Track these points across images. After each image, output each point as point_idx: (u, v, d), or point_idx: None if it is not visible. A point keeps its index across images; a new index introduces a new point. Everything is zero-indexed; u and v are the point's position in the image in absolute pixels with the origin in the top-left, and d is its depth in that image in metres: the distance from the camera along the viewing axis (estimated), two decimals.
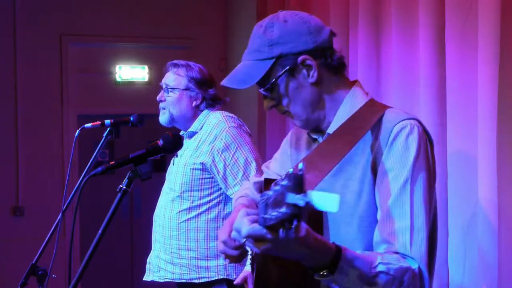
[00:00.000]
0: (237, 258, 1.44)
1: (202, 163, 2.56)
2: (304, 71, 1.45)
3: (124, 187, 1.57)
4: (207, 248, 2.56)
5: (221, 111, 2.68)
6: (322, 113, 1.50)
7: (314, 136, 1.56)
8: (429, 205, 1.40)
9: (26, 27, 4.83)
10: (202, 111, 2.67)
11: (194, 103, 2.66)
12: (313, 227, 1.43)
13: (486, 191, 2.22)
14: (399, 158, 1.39)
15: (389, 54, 2.84)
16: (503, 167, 2.19)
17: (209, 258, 2.56)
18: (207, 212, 2.57)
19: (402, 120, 1.42)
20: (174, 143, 1.66)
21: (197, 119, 2.67)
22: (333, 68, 1.48)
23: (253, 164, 2.54)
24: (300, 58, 1.44)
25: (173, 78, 2.67)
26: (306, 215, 1.09)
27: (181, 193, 2.59)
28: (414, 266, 1.34)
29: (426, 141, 1.43)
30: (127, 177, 1.59)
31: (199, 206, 2.58)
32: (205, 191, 2.58)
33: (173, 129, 2.66)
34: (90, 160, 2.62)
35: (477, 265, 2.27)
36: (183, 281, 2.59)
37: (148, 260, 2.67)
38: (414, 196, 1.38)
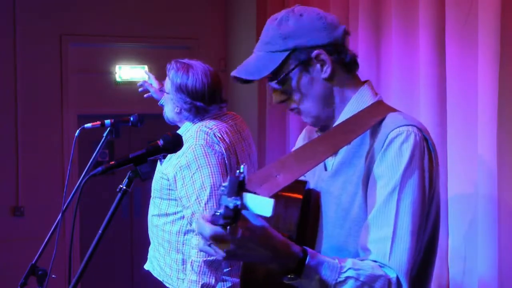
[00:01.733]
0: None
1: (167, 175, 2.44)
2: (318, 65, 1.44)
3: (124, 187, 1.57)
4: (170, 258, 2.49)
5: (201, 123, 2.49)
6: (332, 111, 1.49)
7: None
8: (418, 215, 1.35)
9: (26, 27, 4.83)
10: (186, 119, 2.53)
11: (175, 110, 2.53)
12: (310, 226, 1.43)
13: (487, 191, 2.22)
14: (390, 165, 1.36)
15: (389, 54, 2.84)
16: (503, 167, 2.19)
17: (171, 268, 2.50)
18: (171, 224, 2.47)
19: (400, 126, 1.38)
20: (174, 143, 1.65)
21: (182, 126, 2.57)
22: (346, 66, 1.47)
23: (208, 190, 2.32)
24: (314, 53, 1.43)
25: (166, 79, 2.59)
26: (239, 217, 1.12)
27: (153, 197, 2.55)
28: (392, 275, 1.31)
29: (423, 149, 1.38)
30: (127, 177, 1.58)
31: (166, 215, 2.49)
32: (172, 201, 2.46)
33: (174, 128, 2.66)
34: (90, 160, 2.62)
35: (477, 265, 2.27)
36: (160, 279, 2.57)
37: (149, 248, 2.67)
38: (401, 204, 1.34)
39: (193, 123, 2.53)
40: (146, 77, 3.04)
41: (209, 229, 1.18)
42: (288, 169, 1.42)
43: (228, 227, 1.13)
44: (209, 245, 1.23)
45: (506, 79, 2.18)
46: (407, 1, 2.69)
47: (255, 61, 1.46)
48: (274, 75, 1.45)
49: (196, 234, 2.33)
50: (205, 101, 2.49)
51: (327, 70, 1.44)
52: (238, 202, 1.10)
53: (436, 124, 2.47)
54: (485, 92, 2.21)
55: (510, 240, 2.21)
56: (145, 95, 3.04)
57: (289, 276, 1.27)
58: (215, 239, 1.18)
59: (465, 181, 2.36)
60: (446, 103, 2.44)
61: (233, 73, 1.47)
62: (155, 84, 2.96)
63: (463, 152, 2.37)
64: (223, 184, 1.15)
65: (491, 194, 2.21)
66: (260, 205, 1.16)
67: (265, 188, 1.39)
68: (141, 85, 3.02)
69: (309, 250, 1.28)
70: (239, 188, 1.12)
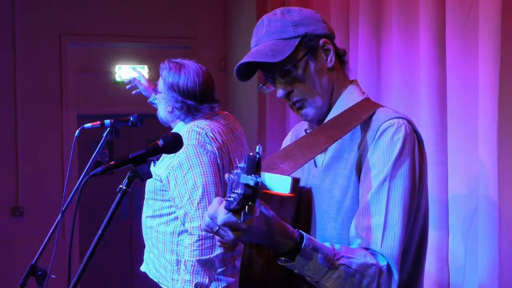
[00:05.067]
0: (232, 246, 1.42)
1: (160, 176, 2.44)
2: (323, 55, 1.50)
3: (124, 187, 1.56)
4: (165, 259, 2.48)
5: (193, 123, 2.49)
6: (332, 103, 1.52)
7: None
8: (408, 204, 1.39)
9: (25, 27, 4.83)
10: (178, 118, 2.54)
11: (167, 109, 2.54)
12: (302, 221, 1.45)
13: (487, 191, 2.21)
14: (382, 156, 1.40)
15: (390, 53, 2.84)
16: (503, 166, 2.19)
17: (166, 269, 2.49)
18: (165, 224, 2.47)
19: (390, 119, 1.43)
20: (174, 143, 1.65)
21: (175, 127, 2.56)
22: (340, 58, 1.54)
23: (200, 190, 2.33)
24: (321, 41, 1.50)
25: (159, 78, 2.59)
26: (258, 195, 1.12)
27: (147, 199, 2.55)
28: (383, 263, 1.34)
29: (413, 140, 1.43)
30: (127, 177, 1.57)
31: (160, 216, 2.49)
32: (166, 202, 2.46)
33: (171, 129, 2.65)
34: (90, 160, 2.61)
35: (478, 266, 2.26)
36: (155, 281, 2.57)
37: (145, 250, 2.67)
38: (391, 193, 1.38)
39: (185, 123, 2.53)
40: (135, 74, 3.05)
41: (223, 216, 1.20)
42: (292, 158, 1.45)
43: (246, 207, 1.12)
44: (217, 230, 1.26)
45: (507, 79, 2.17)
46: (407, 1, 2.68)
47: (267, 48, 1.46)
48: (285, 63, 1.46)
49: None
50: (196, 100, 2.49)
51: (332, 59, 1.50)
52: (259, 179, 1.10)
53: (436, 123, 2.47)
54: (486, 91, 2.21)
55: (510, 240, 2.20)
56: (133, 92, 3.06)
57: (283, 258, 1.30)
58: (228, 227, 1.21)
59: (465, 181, 2.36)
60: (447, 102, 2.44)
61: (244, 59, 1.46)
62: (144, 81, 2.98)
63: (463, 151, 2.36)
64: (239, 165, 1.15)
65: (491, 194, 2.20)
66: (278, 183, 1.17)
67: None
68: (129, 82, 3.04)
69: (306, 235, 1.31)
70: (257, 166, 1.12)
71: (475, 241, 2.28)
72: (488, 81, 2.20)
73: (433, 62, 2.48)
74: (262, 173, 1.15)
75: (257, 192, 1.11)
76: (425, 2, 2.52)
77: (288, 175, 1.40)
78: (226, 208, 1.19)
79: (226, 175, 1.30)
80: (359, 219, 1.39)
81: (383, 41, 2.91)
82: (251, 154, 1.13)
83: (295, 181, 1.44)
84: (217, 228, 1.25)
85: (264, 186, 1.17)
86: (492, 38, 2.17)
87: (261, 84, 1.54)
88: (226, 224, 1.20)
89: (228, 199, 1.16)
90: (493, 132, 2.18)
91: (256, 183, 1.10)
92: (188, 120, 2.53)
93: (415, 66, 2.63)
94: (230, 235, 1.22)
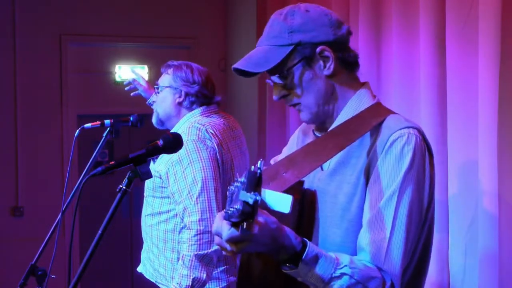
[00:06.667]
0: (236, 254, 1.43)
1: (160, 172, 2.45)
2: (321, 62, 1.45)
3: (124, 187, 1.56)
4: (165, 258, 2.49)
5: (194, 119, 2.53)
6: (332, 108, 1.49)
7: (318, 134, 1.56)
8: (415, 219, 1.38)
9: (25, 27, 4.83)
10: (187, 109, 2.56)
11: (177, 100, 2.56)
12: (305, 224, 1.44)
13: (487, 191, 2.21)
14: (391, 168, 1.38)
15: (390, 53, 2.84)
16: (503, 166, 2.18)
17: (166, 267, 2.49)
18: (165, 222, 2.48)
19: (401, 129, 1.40)
20: (174, 143, 1.65)
21: (178, 122, 2.57)
22: (348, 64, 1.49)
23: (199, 185, 2.34)
24: (318, 48, 1.44)
25: (162, 77, 2.62)
26: (256, 212, 1.12)
27: (146, 196, 2.56)
28: (387, 279, 1.34)
29: (423, 151, 1.40)
30: (127, 177, 1.57)
31: (159, 214, 2.49)
32: (165, 199, 2.47)
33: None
34: (90, 160, 2.62)
35: (478, 266, 2.26)
36: (152, 281, 2.57)
37: (142, 251, 2.67)
38: (399, 210, 1.36)
39: (192, 114, 2.55)
40: (134, 76, 3.06)
41: (227, 232, 1.20)
42: (296, 167, 1.44)
43: (245, 223, 1.12)
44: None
45: (507, 79, 2.17)
46: (407, 1, 2.68)
47: (259, 54, 1.46)
48: (277, 69, 1.44)
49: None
50: (209, 90, 2.58)
51: (330, 67, 1.45)
52: (259, 198, 1.09)
53: (436, 123, 2.47)
54: (486, 91, 2.21)
55: (511, 240, 2.20)
56: (132, 93, 3.08)
57: (287, 265, 1.30)
58: (232, 242, 1.21)
59: (465, 181, 2.36)
60: (447, 102, 2.44)
61: (236, 65, 1.46)
62: (143, 82, 3.00)
63: (463, 151, 2.36)
64: (240, 179, 1.15)
65: (491, 194, 2.20)
66: (278, 201, 1.16)
67: (273, 185, 1.40)
68: (128, 83, 3.05)
69: (310, 244, 1.30)
70: (257, 183, 1.11)
71: (475, 241, 2.27)
72: (488, 81, 2.20)
73: (433, 62, 2.48)
74: (262, 189, 1.14)
75: (256, 210, 1.10)
76: (425, 2, 2.52)
77: (291, 185, 1.39)
78: (224, 218, 1.19)
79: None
80: (365, 232, 1.37)
81: (383, 41, 2.91)
82: (252, 169, 1.12)
83: (299, 183, 1.44)
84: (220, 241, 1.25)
85: (263, 204, 1.16)
86: (492, 38, 2.17)
87: (268, 80, 1.53)
88: (231, 240, 1.20)
89: (228, 211, 1.16)
90: (493, 132, 2.18)
91: (255, 202, 1.08)
92: (195, 107, 2.56)
93: (415, 66, 2.63)
94: (235, 248, 1.23)
